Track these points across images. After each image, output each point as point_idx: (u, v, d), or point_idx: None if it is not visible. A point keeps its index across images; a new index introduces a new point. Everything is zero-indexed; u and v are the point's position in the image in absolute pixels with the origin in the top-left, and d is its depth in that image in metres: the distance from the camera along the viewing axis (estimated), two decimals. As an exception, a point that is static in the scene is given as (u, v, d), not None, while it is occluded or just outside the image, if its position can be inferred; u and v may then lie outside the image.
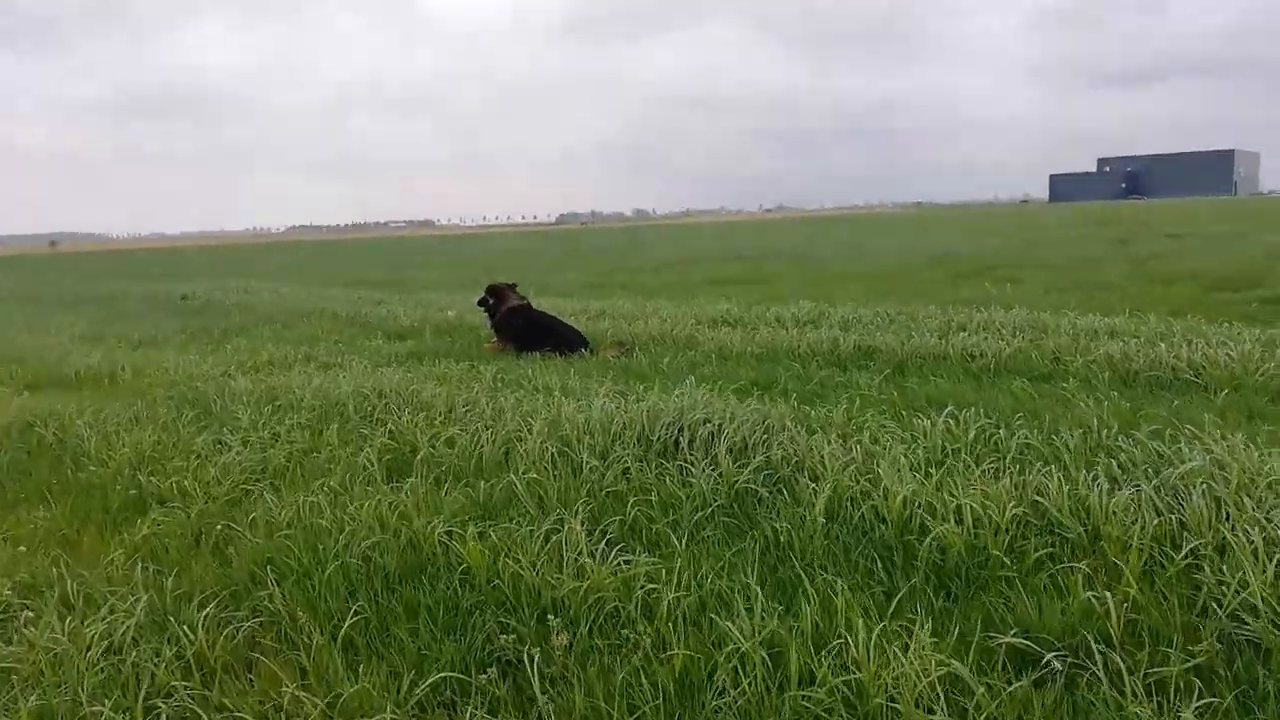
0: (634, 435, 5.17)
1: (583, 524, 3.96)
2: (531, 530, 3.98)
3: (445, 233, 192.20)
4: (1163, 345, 6.76)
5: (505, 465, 5.05)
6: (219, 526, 4.39)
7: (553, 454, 5.02)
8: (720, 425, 4.98)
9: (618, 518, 4.12)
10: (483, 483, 4.65)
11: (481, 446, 5.27)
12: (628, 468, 4.75)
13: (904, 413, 5.55)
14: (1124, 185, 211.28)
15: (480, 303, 9.77)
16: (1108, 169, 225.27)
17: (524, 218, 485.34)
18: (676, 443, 5.00)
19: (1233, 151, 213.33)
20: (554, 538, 3.85)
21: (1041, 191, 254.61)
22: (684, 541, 3.82)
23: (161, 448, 5.94)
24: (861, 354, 7.76)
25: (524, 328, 9.23)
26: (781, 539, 3.80)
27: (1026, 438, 4.73)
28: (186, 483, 5.12)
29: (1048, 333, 8.10)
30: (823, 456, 4.44)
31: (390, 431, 5.78)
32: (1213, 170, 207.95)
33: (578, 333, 9.30)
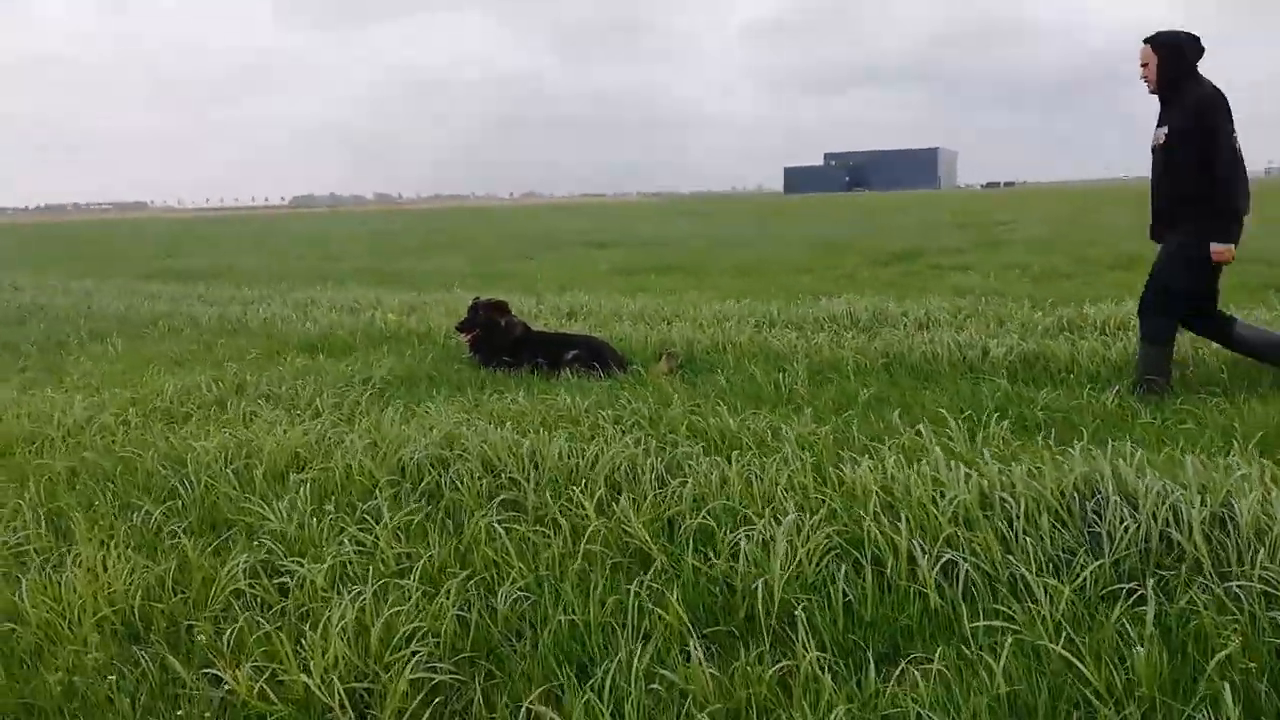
0: (1049, 527, 3.26)
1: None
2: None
3: (162, 215, 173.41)
4: None
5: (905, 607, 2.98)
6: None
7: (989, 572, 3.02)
8: (1220, 508, 3.19)
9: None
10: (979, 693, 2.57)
11: (802, 565, 3.15)
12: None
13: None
14: (848, 179, 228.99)
15: (469, 326, 7.20)
16: (834, 163, 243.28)
17: (254, 200, 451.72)
18: (1169, 549, 3.14)
19: (937, 150, 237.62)
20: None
21: (774, 184, 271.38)
22: None
23: (163, 592, 3.26)
24: (1025, 364, 6.22)
25: (534, 353, 6.93)
26: None
27: None
28: (288, 676, 2.63)
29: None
30: None
31: (573, 529, 3.50)
32: (921, 166, 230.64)
33: (609, 346, 7.09)
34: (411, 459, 4.32)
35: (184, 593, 3.28)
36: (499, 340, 6.99)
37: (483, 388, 6.10)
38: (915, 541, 3.13)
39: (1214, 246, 5.10)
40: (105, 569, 3.39)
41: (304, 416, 5.43)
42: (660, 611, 2.90)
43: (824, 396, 5.59)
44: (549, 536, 3.54)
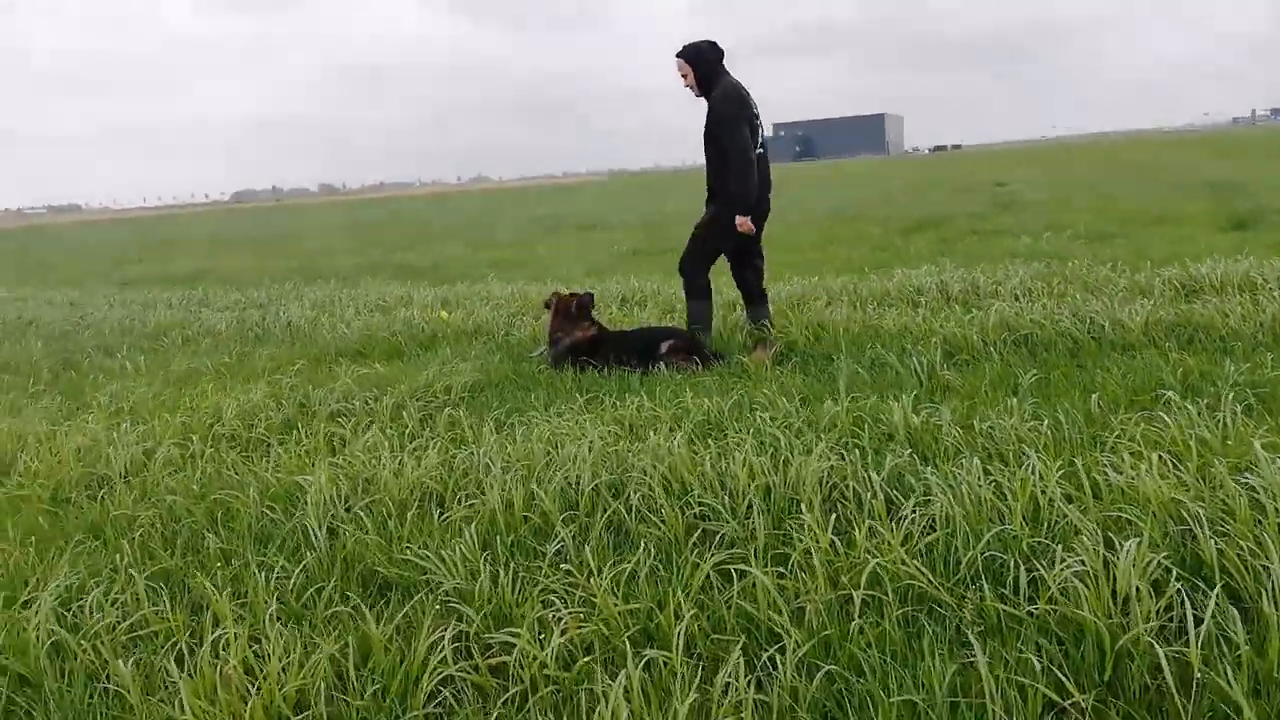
0: None
1: None
2: None
3: (101, 217, 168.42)
4: None
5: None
6: None
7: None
8: None
9: None
10: None
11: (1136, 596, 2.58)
12: None
13: None
14: (798, 149, 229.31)
15: (589, 324, 6.51)
16: (783, 134, 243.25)
17: (193, 197, 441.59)
18: None
19: (883, 116, 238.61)
20: None
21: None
22: None
23: (345, 684, 2.60)
24: (1168, 333, 5.70)
25: (620, 350, 6.28)
26: None
27: None
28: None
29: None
30: None
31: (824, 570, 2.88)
32: (868, 133, 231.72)
33: (692, 337, 6.45)
34: (579, 486, 3.68)
35: (375, 682, 2.61)
36: (583, 336, 6.32)
37: (587, 392, 5.44)
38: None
39: (737, 219, 6.15)
40: (258, 656, 2.72)
41: (397, 437, 4.75)
42: (1022, 680, 2.30)
43: (977, 382, 5.03)
44: (793, 580, 2.93)
